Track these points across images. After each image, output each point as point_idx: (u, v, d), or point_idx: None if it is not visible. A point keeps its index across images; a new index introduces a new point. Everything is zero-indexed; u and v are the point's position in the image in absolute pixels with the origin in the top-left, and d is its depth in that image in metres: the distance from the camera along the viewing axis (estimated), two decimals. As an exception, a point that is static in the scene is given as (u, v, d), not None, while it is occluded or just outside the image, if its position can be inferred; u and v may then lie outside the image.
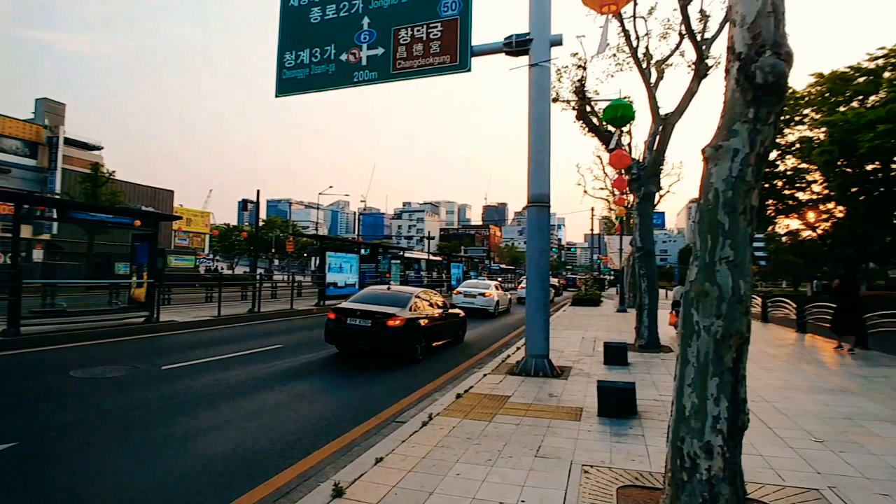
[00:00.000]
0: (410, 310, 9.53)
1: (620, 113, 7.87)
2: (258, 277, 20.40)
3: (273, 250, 57.87)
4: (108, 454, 4.44)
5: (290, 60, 10.72)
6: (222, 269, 56.21)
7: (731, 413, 3.06)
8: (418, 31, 9.30)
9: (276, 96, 10.94)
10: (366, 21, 9.96)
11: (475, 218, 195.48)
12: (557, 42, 8.11)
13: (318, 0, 10.56)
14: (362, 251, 23.42)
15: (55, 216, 11.09)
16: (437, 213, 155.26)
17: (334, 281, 19.80)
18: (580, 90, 11.01)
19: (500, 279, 38.80)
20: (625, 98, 10.77)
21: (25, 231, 31.36)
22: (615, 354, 9.19)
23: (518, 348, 10.60)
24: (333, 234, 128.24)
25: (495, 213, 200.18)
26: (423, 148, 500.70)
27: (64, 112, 38.54)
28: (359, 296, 10.61)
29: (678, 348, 3.28)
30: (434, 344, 10.72)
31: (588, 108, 11.38)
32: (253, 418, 5.60)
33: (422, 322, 9.75)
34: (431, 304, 10.69)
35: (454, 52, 8.92)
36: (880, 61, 15.57)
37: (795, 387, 7.51)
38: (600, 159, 27.15)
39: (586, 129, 12.20)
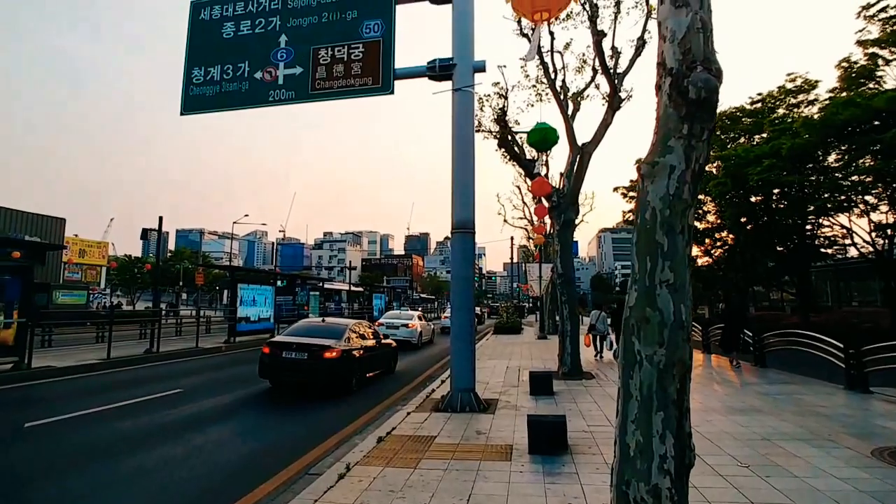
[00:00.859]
0: (346, 341, 9.52)
1: (544, 136, 7.89)
2: (159, 313, 18.42)
3: (181, 283, 53.40)
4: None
5: (199, 76, 9.89)
6: (121, 304, 50.85)
7: (677, 451, 2.80)
8: (339, 51, 8.91)
9: (182, 114, 10.00)
10: (283, 39, 9.43)
11: (398, 248, 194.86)
12: (481, 68, 8.05)
13: (233, 14, 9.90)
14: (279, 282, 22.03)
15: None
16: (358, 243, 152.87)
17: (246, 315, 18.30)
18: (502, 118, 11.12)
19: (420, 309, 38.33)
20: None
21: None
22: (541, 384, 8.99)
23: (443, 381, 10.15)
24: (250, 266, 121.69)
25: (418, 243, 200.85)
26: (343, 176, 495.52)
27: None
28: (294, 329, 10.52)
29: (619, 380, 3.00)
30: (368, 374, 10.53)
31: (509, 137, 11.51)
32: (132, 481, 4.64)
33: (356, 353, 9.71)
34: (365, 335, 10.66)
35: (377, 75, 8.60)
36: (758, 105, 17.41)
37: (713, 408, 7.67)
38: (519, 189, 27.94)
39: (507, 157, 12.32)
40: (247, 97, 9.46)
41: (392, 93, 8.56)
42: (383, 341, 11.61)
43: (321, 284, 30.14)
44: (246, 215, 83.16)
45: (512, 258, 47.33)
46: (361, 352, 9.99)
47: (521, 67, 12.18)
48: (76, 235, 45.68)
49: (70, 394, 8.85)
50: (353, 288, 40.25)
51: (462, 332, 7.92)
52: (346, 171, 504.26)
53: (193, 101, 9.86)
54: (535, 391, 8.88)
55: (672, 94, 2.97)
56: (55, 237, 39.72)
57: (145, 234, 29.05)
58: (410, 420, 6.94)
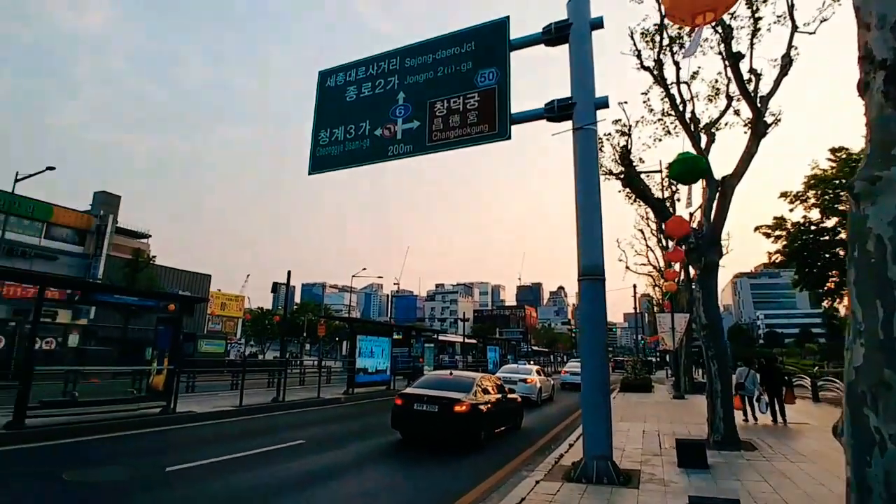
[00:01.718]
0: (474, 395, 9.60)
1: (691, 166, 7.03)
2: (285, 363, 19.66)
3: (305, 334, 57.60)
4: None
5: (325, 138, 10.71)
6: (256, 354, 55.98)
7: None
8: (455, 102, 9.13)
9: (310, 173, 10.82)
10: (401, 96, 9.93)
11: (509, 299, 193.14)
12: (603, 104, 7.68)
13: (355, 79, 10.69)
14: (395, 334, 22.56)
15: (78, 299, 10.78)
16: (470, 295, 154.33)
17: (364, 367, 18.83)
18: (626, 156, 10.51)
19: (534, 362, 36.82)
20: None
21: (63, 316, 32.15)
22: (691, 454, 7.77)
23: (571, 445, 9.30)
24: (366, 318, 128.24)
25: (530, 294, 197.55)
26: (455, 229, 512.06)
27: (119, 203, 41.06)
28: (423, 381, 10.76)
29: (848, 470, 2.28)
30: (496, 430, 10.50)
31: (635, 175, 10.81)
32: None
33: (484, 407, 9.73)
34: (491, 390, 10.67)
35: (492, 121, 8.62)
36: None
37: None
38: (642, 233, 26.26)
39: (632, 197, 11.56)
40: (368, 154, 10.00)
41: (509, 138, 8.49)
42: (508, 396, 11.56)
43: (436, 336, 30.43)
44: (364, 269, 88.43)
45: (636, 308, 44.24)
46: (489, 406, 9.98)
47: (644, 103, 11.55)
48: (219, 290, 51.69)
49: (207, 439, 9.50)
50: (466, 340, 40.15)
51: (595, 390, 7.17)
52: (456, 223, 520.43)
53: (320, 161, 10.65)
54: (685, 463, 7.68)
55: (890, 90, 2.37)
56: (202, 292, 45.32)
57: (275, 287, 31.91)
58: (541, 491, 6.28)
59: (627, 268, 27.33)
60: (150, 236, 50.06)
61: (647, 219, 24.29)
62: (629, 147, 10.65)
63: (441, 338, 33.88)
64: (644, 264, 27.78)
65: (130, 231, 45.37)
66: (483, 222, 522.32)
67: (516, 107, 8.51)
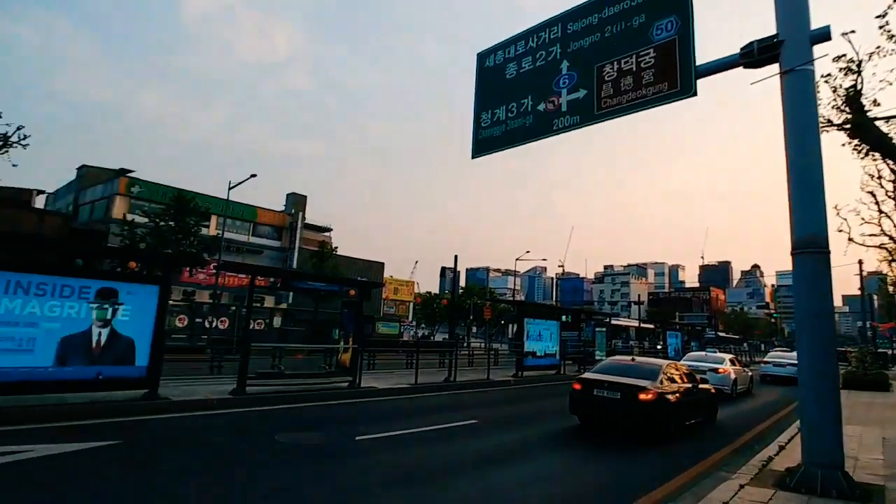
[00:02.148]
0: (660, 383, 9.15)
1: None
2: (455, 344, 20.65)
3: (471, 317, 60.01)
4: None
5: (486, 119, 10.77)
6: (427, 335, 60.18)
7: None
8: (626, 62, 8.40)
9: (473, 157, 11.00)
10: (565, 65, 9.49)
11: (690, 280, 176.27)
12: (822, 37, 6.33)
13: (514, 55, 10.53)
14: (563, 317, 22.16)
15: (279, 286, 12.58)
16: (643, 276, 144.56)
17: (533, 350, 18.85)
18: (854, 99, 8.55)
19: (722, 350, 32.93)
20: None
21: (269, 301, 38.26)
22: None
23: (781, 447, 8.10)
24: (530, 301, 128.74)
25: (715, 274, 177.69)
26: (622, 206, 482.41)
27: (305, 203, 47.51)
28: (602, 366, 10.45)
29: None
30: (686, 422, 9.90)
31: (868, 122, 8.73)
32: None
33: (672, 397, 9.21)
34: (681, 378, 10.07)
35: (673, 78, 7.73)
36: None
37: None
38: (873, 195, 21.52)
39: (861, 150, 9.46)
40: (531, 130, 9.79)
41: (694, 94, 7.52)
42: (700, 386, 10.69)
43: (607, 320, 29.16)
44: (527, 252, 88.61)
45: (861, 289, 36.80)
46: (678, 396, 9.40)
47: (881, 28, 9.17)
48: (391, 276, 56.37)
49: (388, 413, 10.40)
50: (642, 325, 37.78)
51: (819, 385, 6.06)
52: (621, 200, 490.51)
53: (483, 144, 10.75)
54: (956, 487, 6.12)
55: None
56: (376, 278, 49.93)
57: (443, 272, 33.65)
58: (747, 497, 5.54)
59: (850, 240, 22.63)
60: (332, 229, 57.18)
61: (880, 178, 19.79)
62: (859, 88, 8.64)
63: (613, 322, 32.35)
64: (874, 235, 22.75)
65: (316, 226, 52.17)
66: (651, 196, 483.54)
67: (698, 58, 7.52)
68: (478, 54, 11.33)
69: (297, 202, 46.62)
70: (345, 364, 12.85)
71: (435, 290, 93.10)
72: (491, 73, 10.88)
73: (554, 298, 65.81)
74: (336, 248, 39.80)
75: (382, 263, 53.97)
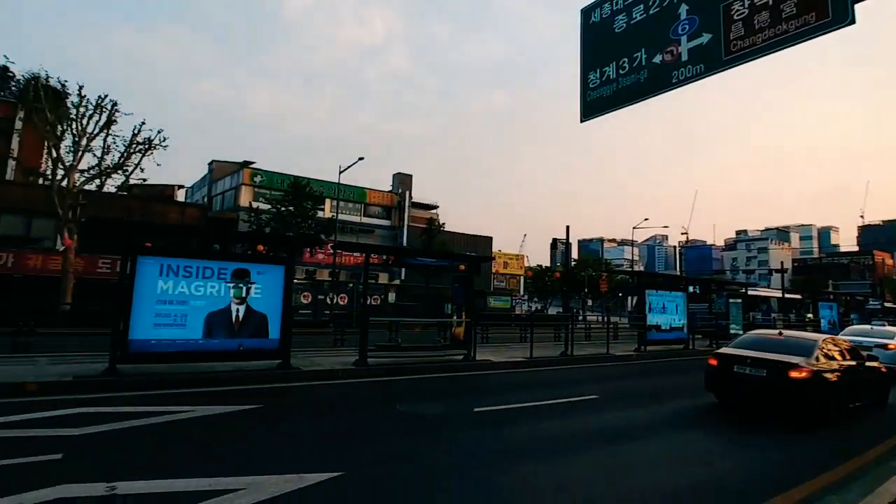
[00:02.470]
0: (816, 359, 8.34)
1: None
2: (570, 318, 20.27)
3: (586, 290, 58.37)
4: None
5: (595, 79, 10.19)
6: (539, 309, 59.80)
7: None
8: (761, -5, 7.45)
9: (582, 121, 10.50)
10: (683, 9, 8.62)
11: (845, 243, 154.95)
12: None
13: (623, 5, 9.81)
14: (691, 288, 20.71)
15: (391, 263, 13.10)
16: (785, 241, 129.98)
17: (656, 323, 17.88)
18: None
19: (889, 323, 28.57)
20: None
21: (383, 278, 40.30)
22: None
23: None
24: (650, 271, 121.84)
25: (881, 234, 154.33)
26: (755, 164, 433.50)
27: (410, 182, 49.14)
28: (742, 341, 9.74)
29: None
30: (850, 405, 9.01)
31: None
32: (563, 489, 4.84)
33: (831, 375, 8.34)
34: (842, 354, 9.10)
35: (822, 6, 6.71)
36: None
37: None
38: None
39: None
40: (647, 86, 9.09)
41: (851, 22, 6.47)
42: (867, 364, 9.53)
43: (743, 290, 26.73)
44: (645, 219, 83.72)
45: None
46: (838, 374, 8.47)
47: None
48: (499, 250, 56.47)
49: (504, 386, 10.51)
50: (785, 295, 34.17)
51: None
52: (758, 158, 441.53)
53: (592, 106, 10.19)
54: None
55: None
56: (485, 253, 50.33)
57: (554, 244, 33.02)
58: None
59: None
60: (438, 206, 58.59)
61: None
62: None
63: (751, 292, 29.53)
64: None
65: (423, 204, 53.75)
66: (785, 148, 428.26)
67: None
68: (581, 10, 10.65)
69: (403, 181, 48.34)
70: (459, 337, 13.21)
71: (545, 262, 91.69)
72: (597, 30, 10.21)
73: (678, 268, 61.65)
74: (443, 224, 40.74)
75: (490, 238, 54.24)
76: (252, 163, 40.18)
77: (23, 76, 26.76)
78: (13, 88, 32.41)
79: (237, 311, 9.43)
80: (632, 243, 61.25)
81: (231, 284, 9.39)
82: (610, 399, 9.37)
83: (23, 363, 9.96)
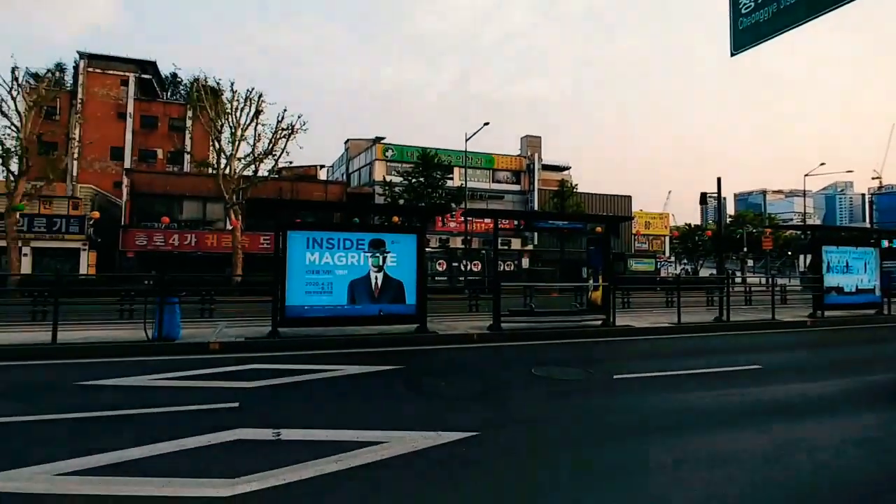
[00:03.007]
0: None
1: None
2: (725, 280, 18.52)
3: (745, 249, 52.75)
4: (551, 463, 4.38)
5: (748, 3, 8.95)
6: (688, 271, 55.53)
7: None
8: None
9: (733, 54, 9.29)
10: None
11: None
12: None
13: None
14: (885, 243, 17.65)
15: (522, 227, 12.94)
16: None
17: (837, 285, 15.59)
18: None
19: None
20: None
21: (516, 244, 40.26)
22: None
23: None
24: (829, 224, 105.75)
25: None
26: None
27: (540, 144, 47.92)
28: None
29: None
30: None
31: None
32: (717, 466, 4.47)
33: None
34: None
35: None
36: None
37: None
38: None
39: None
40: (815, 3, 7.77)
41: None
42: None
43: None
44: (821, 164, 72.51)
45: None
46: None
47: None
48: (641, 210, 53.08)
49: (647, 353, 9.98)
50: None
51: None
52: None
53: (745, 35, 8.94)
54: None
55: None
56: (624, 213, 47.70)
57: (703, 198, 30.14)
58: None
59: None
60: (570, 168, 56.59)
61: None
62: None
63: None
64: None
65: (554, 166, 52.26)
66: None
67: None
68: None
69: (531, 144, 47.32)
70: (596, 302, 12.79)
71: (694, 221, 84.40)
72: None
73: (867, 219, 52.79)
74: (576, 185, 39.25)
75: (629, 197, 51.15)
76: (383, 138, 42.22)
77: (187, 81, 30.92)
78: (182, 92, 37.44)
79: (376, 278, 10.10)
80: (804, 194, 53.44)
81: (369, 254, 10.06)
82: (776, 371, 8.41)
83: (207, 327, 11.73)
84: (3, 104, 24.44)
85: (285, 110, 27.74)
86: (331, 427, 5.18)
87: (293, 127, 25.69)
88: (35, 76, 28.27)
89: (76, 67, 42.39)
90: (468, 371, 8.24)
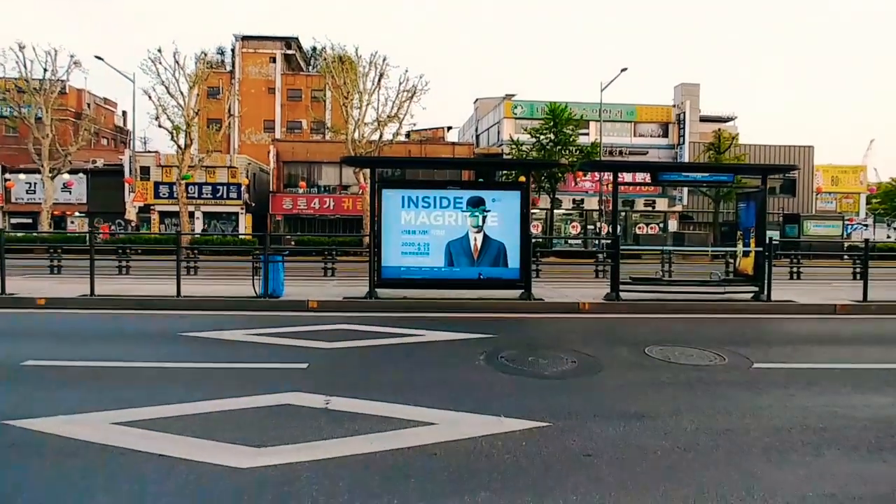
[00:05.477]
0: None
1: None
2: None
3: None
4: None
5: None
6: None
7: None
8: None
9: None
10: None
11: None
12: None
13: None
14: None
15: (650, 180, 11.21)
16: None
17: None
18: None
19: None
20: None
21: (661, 204, 36.69)
22: None
23: None
24: None
25: None
26: None
27: (698, 92, 42.73)
28: None
29: None
30: None
31: None
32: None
33: None
34: None
35: None
36: None
37: None
38: None
39: None
40: None
41: None
42: None
43: None
44: None
45: None
46: None
47: None
48: (829, 164, 45.11)
49: (808, 338, 8.05)
50: None
51: None
52: None
53: None
54: None
55: None
56: (804, 165, 40.94)
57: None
58: None
59: None
60: (735, 118, 49.76)
61: None
62: None
63: None
64: None
65: (714, 118, 46.49)
66: None
67: None
68: None
69: (687, 92, 42.27)
70: (746, 271, 10.82)
71: (903, 175, 70.00)
72: None
73: None
74: (737, 135, 34.16)
75: (811, 147, 43.61)
76: (513, 95, 40.68)
77: (321, 48, 32.42)
78: (321, 65, 39.32)
79: (475, 239, 9.46)
80: None
81: (467, 213, 9.42)
82: None
83: (319, 286, 12.15)
84: (171, 86, 27.74)
85: (407, 71, 27.83)
86: (385, 399, 4.74)
87: (415, 88, 25.72)
88: (200, 59, 31.75)
89: (233, 50, 46.96)
90: (564, 346, 7.19)
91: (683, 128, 39.55)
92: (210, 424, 4.14)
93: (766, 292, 10.23)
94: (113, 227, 32.83)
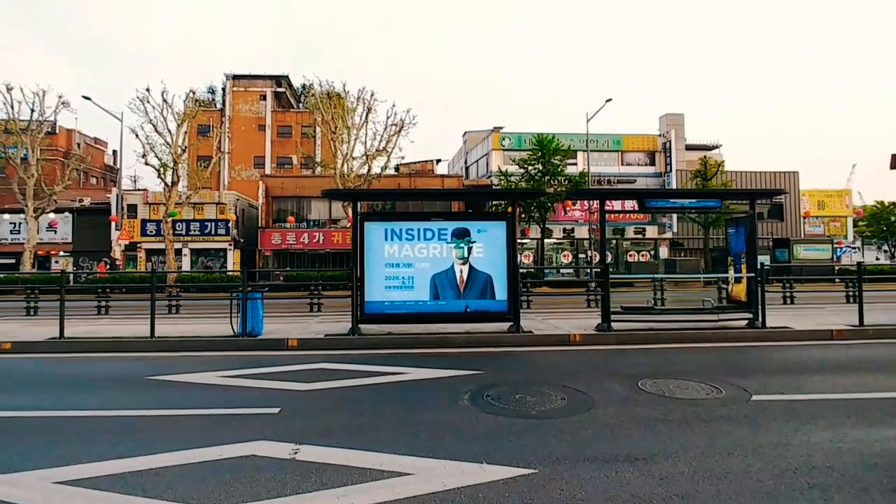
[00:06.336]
0: None
1: None
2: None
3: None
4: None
5: None
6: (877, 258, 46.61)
7: None
8: None
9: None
10: None
11: None
12: None
13: None
14: None
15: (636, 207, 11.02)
16: None
17: None
18: None
19: None
20: None
21: (651, 231, 36.72)
22: None
23: None
24: None
25: None
26: None
27: (682, 122, 43.40)
28: None
29: None
30: None
31: None
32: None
33: None
34: None
35: None
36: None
37: None
38: None
39: None
40: None
41: None
42: None
43: None
44: None
45: None
46: None
47: None
48: (814, 189, 45.52)
49: (807, 366, 7.72)
50: None
51: None
52: None
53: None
54: None
55: None
56: (792, 191, 41.31)
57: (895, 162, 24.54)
58: None
59: None
60: (720, 146, 50.56)
61: None
62: None
63: None
64: None
65: (699, 146, 47.10)
66: None
67: None
68: None
69: (671, 122, 42.95)
70: (738, 297, 10.59)
71: (890, 197, 70.88)
72: None
73: None
74: (723, 162, 34.48)
75: (795, 173, 44.12)
76: (501, 128, 41.06)
77: (308, 84, 32.71)
78: (310, 102, 39.65)
79: (461, 271, 9.19)
80: None
81: (452, 244, 9.17)
82: None
83: (302, 323, 11.76)
84: (159, 124, 27.73)
85: (394, 106, 28.01)
86: (360, 446, 4.39)
87: (403, 122, 25.84)
88: (188, 97, 31.89)
89: (223, 89, 47.40)
90: (553, 381, 6.82)
91: (670, 156, 39.96)
92: (163, 481, 3.80)
93: (760, 319, 9.97)
94: (108, 266, 32.34)
